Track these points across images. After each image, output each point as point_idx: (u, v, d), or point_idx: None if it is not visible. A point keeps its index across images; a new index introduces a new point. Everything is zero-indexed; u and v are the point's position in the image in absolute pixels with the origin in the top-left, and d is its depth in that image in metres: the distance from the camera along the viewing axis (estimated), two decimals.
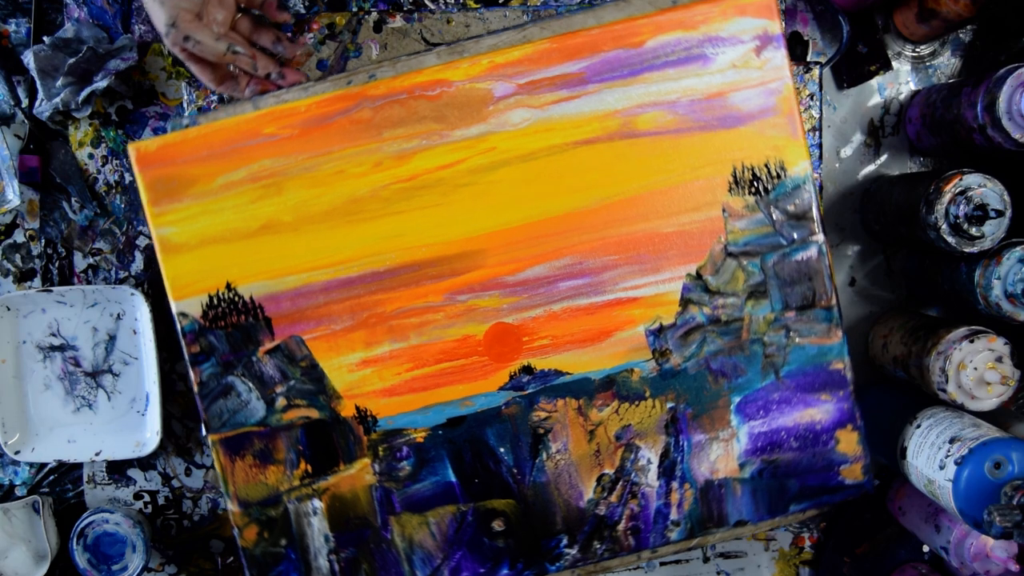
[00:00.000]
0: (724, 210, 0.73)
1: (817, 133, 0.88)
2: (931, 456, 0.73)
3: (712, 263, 0.73)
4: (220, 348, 0.74)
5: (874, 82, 0.88)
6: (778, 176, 0.72)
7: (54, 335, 0.88)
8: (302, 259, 0.73)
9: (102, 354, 0.88)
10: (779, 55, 0.71)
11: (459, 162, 0.73)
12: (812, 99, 0.89)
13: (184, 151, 0.72)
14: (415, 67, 0.76)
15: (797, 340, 0.73)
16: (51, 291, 0.85)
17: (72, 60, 0.83)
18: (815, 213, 0.72)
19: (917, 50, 0.87)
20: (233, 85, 0.78)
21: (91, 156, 0.89)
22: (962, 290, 0.77)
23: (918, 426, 0.76)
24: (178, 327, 0.74)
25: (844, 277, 0.89)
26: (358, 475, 0.75)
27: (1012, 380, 0.75)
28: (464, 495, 0.75)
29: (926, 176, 0.79)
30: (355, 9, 0.87)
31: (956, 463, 0.70)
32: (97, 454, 0.87)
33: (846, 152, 0.88)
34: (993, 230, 0.74)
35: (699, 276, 0.73)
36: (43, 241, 0.90)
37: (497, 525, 0.75)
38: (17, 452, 0.87)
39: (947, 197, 0.74)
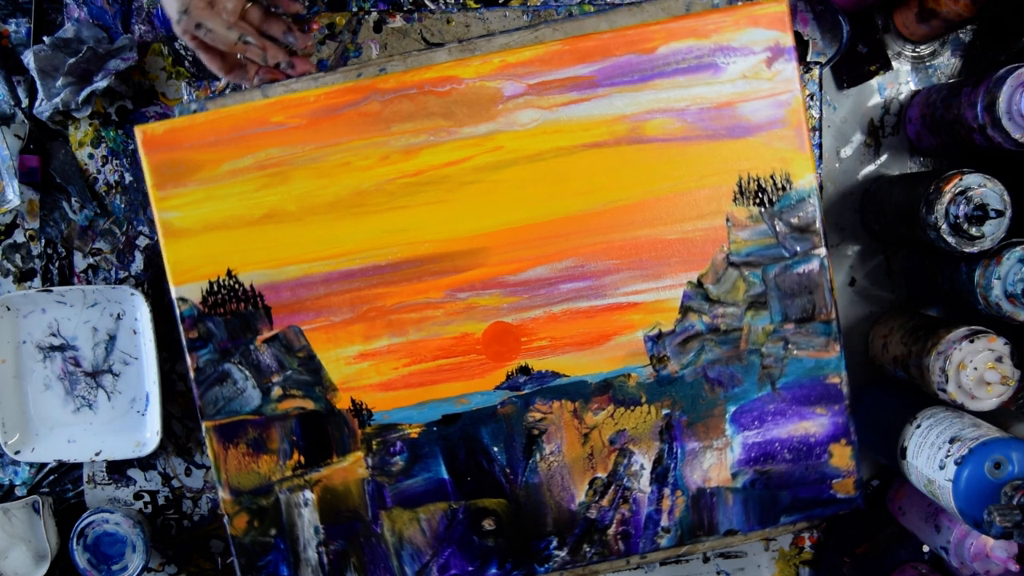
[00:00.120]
0: (728, 220, 0.73)
1: (817, 133, 0.88)
2: (931, 456, 0.73)
3: (714, 272, 0.73)
4: (218, 335, 0.74)
5: (874, 82, 0.88)
6: (783, 188, 0.72)
7: (54, 335, 0.88)
8: (304, 249, 0.73)
9: (102, 354, 0.88)
10: (790, 67, 0.71)
11: (465, 159, 0.73)
12: (812, 99, 0.89)
13: (191, 136, 0.72)
14: (426, 62, 0.76)
15: (795, 352, 0.74)
16: (51, 291, 0.85)
17: (72, 60, 0.83)
18: (819, 226, 0.72)
19: (917, 50, 0.88)
20: (241, 74, 0.78)
21: (91, 156, 0.89)
22: (962, 290, 0.77)
23: (918, 426, 0.76)
24: (177, 312, 0.73)
25: (844, 277, 0.89)
26: (351, 468, 0.75)
27: (1012, 380, 0.75)
28: (456, 493, 0.75)
29: (926, 176, 0.79)
30: (355, 9, 0.87)
31: (956, 463, 0.70)
32: (97, 454, 0.87)
33: (846, 152, 0.88)
34: (993, 230, 0.74)
35: (700, 284, 0.73)
36: (43, 241, 0.90)
37: (488, 524, 0.75)
38: (17, 452, 0.87)
39: (947, 197, 0.74)
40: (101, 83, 0.84)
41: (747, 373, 0.74)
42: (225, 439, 0.74)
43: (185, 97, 0.88)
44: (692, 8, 0.76)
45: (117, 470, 0.91)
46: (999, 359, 0.75)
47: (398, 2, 0.87)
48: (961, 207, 0.73)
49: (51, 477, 0.91)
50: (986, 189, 0.73)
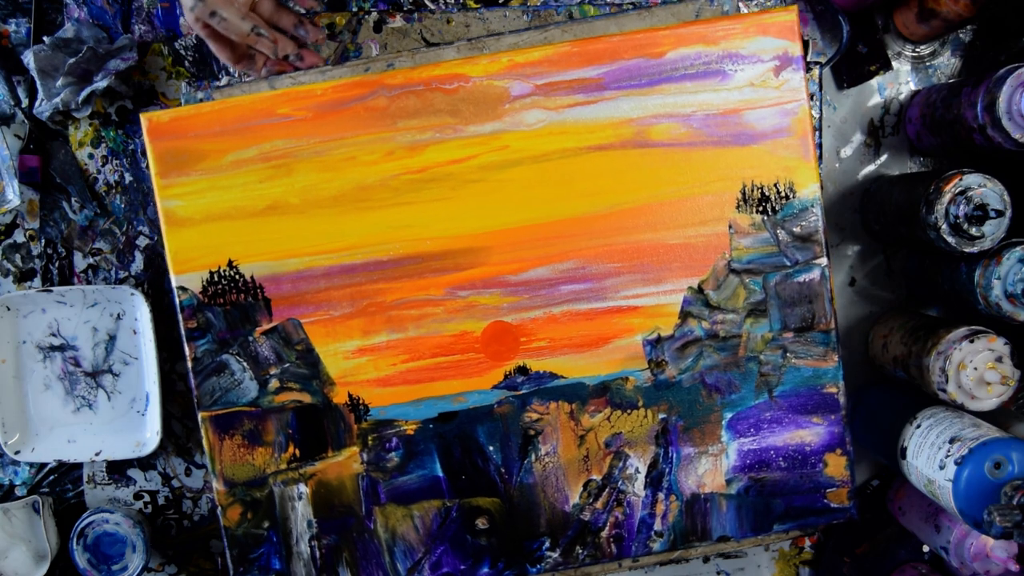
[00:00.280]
0: (731, 226, 0.73)
1: (817, 133, 0.88)
2: (931, 456, 0.73)
3: (714, 278, 0.73)
4: (217, 325, 0.74)
5: (874, 82, 0.88)
6: (787, 197, 0.72)
7: (54, 335, 0.87)
8: (306, 242, 0.73)
9: (102, 354, 0.88)
10: (797, 77, 0.71)
11: (470, 158, 0.73)
12: (812, 99, 0.89)
13: (196, 125, 0.72)
14: (434, 59, 0.75)
15: (793, 361, 0.74)
16: (51, 291, 0.85)
17: (72, 60, 0.83)
18: (821, 236, 0.72)
19: (917, 50, 0.88)
20: (249, 64, 0.78)
21: (91, 156, 0.89)
22: (962, 290, 0.77)
23: (918, 426, 0.76)
24: (176, 301, 0.73)
25: (844, 277, 0.89)
26: (346, 463, 0.75)
27: (1012, 380, 0.75)
28: (450, 491, 0.75)
29: (926, 176, 0.79)
30: (355, 9, 0.87)
31: (956, 463, 0.70)
32: (97, 454, 0.87)
33: (846, 152, 0.89)
34: (993, 230, 0.74)
35: (700, 290, 0.74)
36: (43, 241, 0.90)
37: (481, 523, 0.75)
38: (17, 452, 0.87)
39: (947, 197, 0.74)
40: (101, 83, 0.83)
41: (745, 380, 0.74)
42: (221, 430, 0.74)
43: (184, 97, 0.88)
44: (702, 14, 0.76)
45: (117, 470, 0.91)
46: (999, 359, 0.75)
47: (398, 2, 0.87)
48: (961, 207, 0.73)
49: (51, 477, 0.91)
50: (986, 189, 0.73)
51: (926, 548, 0.89)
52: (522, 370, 0.74)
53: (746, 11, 0.86)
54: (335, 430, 0.75)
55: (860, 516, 0.88)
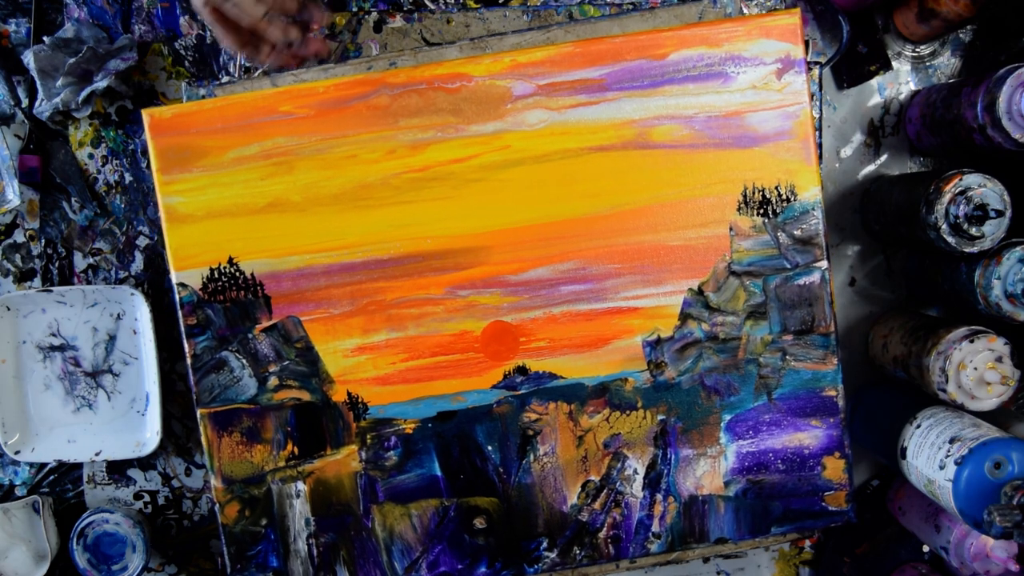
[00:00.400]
0: (731, 229, 0.73)
1: (817, 133, 0.88)
2: (931, 456, 0.73)
3: (715, 280, 0.73)
4: (217, 322, 0.74)
5: (874, 82, 0.88)
6: (788, 200, 0.72)
7: (54, 335, 0.87)
8: (307, 240, 0.73)
9: (102, 354, 0.88)
10: (800, 80, 0.72)
11: (472, 157, 0.73)
12: (812, 99, 0.89)
13: (198, 121, 0.72)
14: (436, 58, 0.75)
15: (792, 364, 0.74)
16: (51, 291, 0.85)
17: (72, 60, 0.83)
18: (821, 239, 0.72)
19: (917, 50, 0.88)
20: (254, 52, 0.77)
21: (91, 156, 0.89)
22: (962, 290, 0.77)
23: (918, 426, 0.76)
24: (176, 297, 0.73)
25: (844, 277, 0.89)
26: (344, 461, 0.75)
27: (1012, 380, 0.75)
28: (448, 490, 0.75)
29: (926, 176, 0.79)
30: (355, 9, 0.87)
31: (956, 463, 0.70)
32: (97, 454, 0.87)
33: (846, 152, 0.89)
34: (993, 230, 0.74)
35: (701, 292, 0.74)
36: (43, 241, 0.90)
37: (479, 523, 0.75)
38: (17, 452, 0.87)
39: (947, 197, 0.74)
40: (101, 83, 0.83)
41: (744, 382, 0.74)
42: (219, 427, 0.74)
43: (184, 98, 0.88)
44: (705, 16, 0.76)
45: (117, 470, 0.91)
46: (999, 359, 0.75)
47: (398, 2, 0.87)
48: (961, 207, 0.73)
49: (51, 477, 0.91)
50: (986, 189, 0.73)
51: (926, 548, 0.89)
52: (521, 370, 0.74)
53: (749, 13, 0.86)
54: (334, 428, 0.75)
55: (859, 517, 0.88)
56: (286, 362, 0.74)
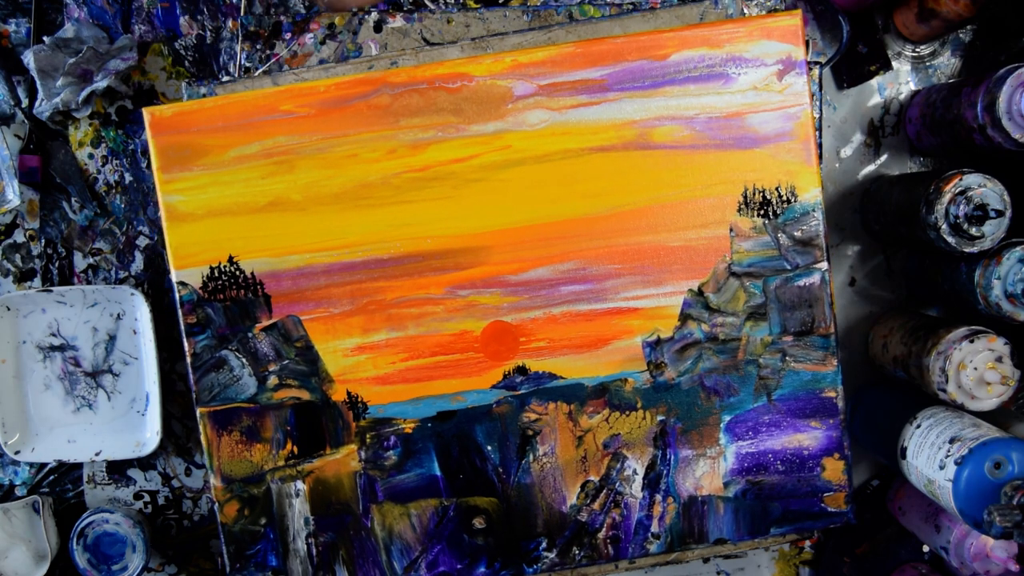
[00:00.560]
0: (731, 229, 0.73)
1: (817, 133, 0.88)
2: (931, 456, 0.73)
3: (715, 281, 0.73)
4: (217, 321, 0.74)
5: (874, 82, 0.88)
6: (788, 201, 0.73)
7: (54, 335, 0.87)
8: (307, 239, 0.73)
9: (102, 354, 0.87)
10: (800, 81, 0.72)
11: (473, 157, 0.73)
12: (812, 99, 0.89)
13: (199, 120, 0.72)
14: (438, 58, 0.76)
15: (792, 365, 0.74)
16: (51, 291, 0.85)
17: (72, 60, 0.83)
18: (822, 240, 0.73)
19: (917, 50, 0.88)
20: None
21: (91, 156, 0.88)
22: (962, 290, 0.78)
23: (918, 426, 0.76)
24: (176, 296, 0.73)
25: (844, 277, 0.89)
26: (344, 460, 0.75)
27: (1012, 380, 0.75)
28: (448, 490, 0.75)
29: (926, 176, 0.79)
30: (355, 9, 0.87)
31: (956, 463, 0.70)
32: (97, 454, 0.87)
33: (846, 152, 0.89)
34: (993, 230, 0.74)
35: (701, 293, 0.74)
36: (43, 241, 0.89)
37: (478, 523, 0.75)
38: (17, 452, 0.87)
39: (947, 197, 0.74)
40: (101, 83, 0.83)
41: (744, 383, 0.74)
42: (219, 426, 0.74)
43: (185, 98, 0.88)
44: (706, 17, 0.76)
45: (117, 470, 0.91)
46: (999, 359, 0.75)
47: (398, 2, 0.87)
48: (961, 207, 0.73)
49: (51, 477, 0.91)
50: (986, 189, 0.73)
51: (926, 548, 0.89)
52: (521, 370, 0.74)
53: (750, 15, 0.86)
54: (333, 428, 0.74)
55: (859, 517, 0.88)
56: (286, 361, 0.74)
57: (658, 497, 0.75)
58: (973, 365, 0.75)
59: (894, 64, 0.88)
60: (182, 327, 0.74)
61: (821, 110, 0.88)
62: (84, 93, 0.84)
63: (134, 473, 0.91)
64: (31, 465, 0.90)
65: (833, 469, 0.74)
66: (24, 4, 0.88)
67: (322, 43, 0.87)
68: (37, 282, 0.90)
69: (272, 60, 0.84)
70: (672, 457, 0.75)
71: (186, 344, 0.73)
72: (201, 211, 0.73)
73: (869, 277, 0.89)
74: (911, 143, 0.88)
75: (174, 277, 0.73)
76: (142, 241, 0.89)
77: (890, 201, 0.82)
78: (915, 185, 0.79)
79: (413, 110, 0.72)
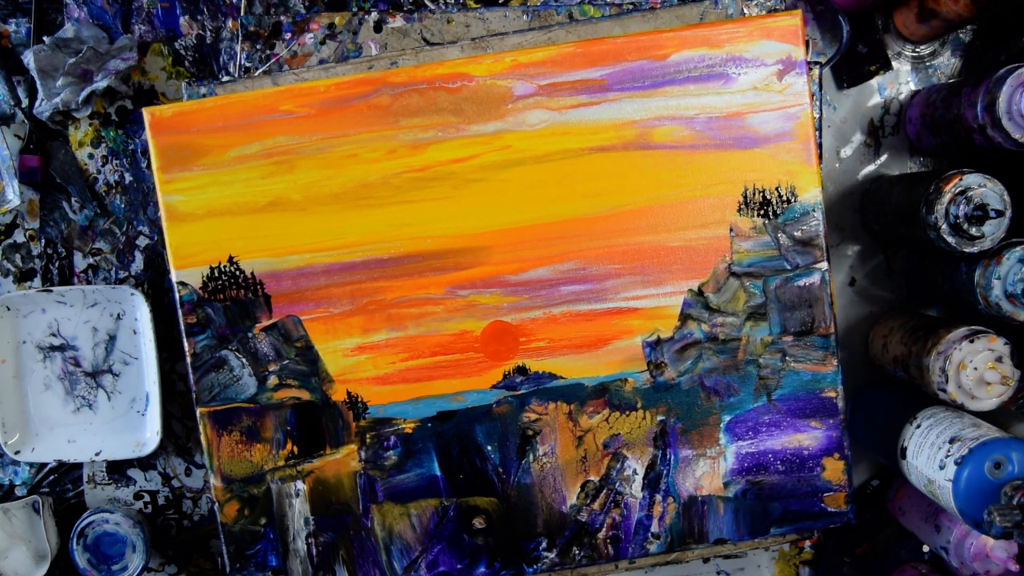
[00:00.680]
0: (731, 229, 0.73)
1: (817, 133, 0.88)
2: (931, 456, 0.73)
3: (715, 281, 0.73)
4: (217, 321, 0.74)
5: (874, 82, 0.88)
6: (788, 201, 0.73)
7: (54, 335, 0.87)
8: (307, 239, 0.73)
9: (102, 354, 0.87)
10: (800, 81, 0.72)
11: (473, 157, 0.73)
12: (812, 99, 0.89)
13: (199, 120, 0.72)
14: (438, 58, 0.76)
15: (792, 365, 0.74)
16: (51, 291, 0.85)
17: (72, 60, 0.83)
18: (822, 240, 0.73)
19: (917, 50, 0.88)
20: None
21: (91, 156, 0.88)
22: (962, 290, 0.78)
23: (918, 426, 0.76)
24: (176, 296, 0.73)
25: (844, 277, 0.89)
26: (344, 460, 0.75)
27: (1012, 380, 0.75)
28: (448, 490, 0.75)
29: (926, 176, 0.79)
30: (355, 9, 0.87)
31: (956, 463, 0.70)
32: (97, 454, 0.87)
33: (846, 152, 0.89)
34: (993, 230, 0.74)
35: (701, 293, 0.74)
36: (43, 241, 0.89)
37: (478, 523, 0.75)
38: (17, 452, 0.87)
39: (947, 197, 0.74)
40: (101, 83, 0.83)
41: (744, 383, 0.74)
42: (219, 426, 0.74)
43: (185, 98, 0.88)
44: (706, 17, 0.76)
45: (117, 470, 0.91)
46: (999, 359, 0.75)
47: (398, 2, 0.87)
48: (961, 207, 0.73)
49: (51, 477, 0.91)
50: (986, 189, 0.73)
51: (926, 548, 0.89)
52: (521, 370, 0.74)
53: (750, 15, 0.86)
54: (333, 428, 0.74)
55: (859, 517, 0.88)
56: (286, 361, 0.74)
57: (658, 497, 0.75)
58: (973, 365, 0.75)
59: (894, 64, 0.88)
60: (182, 327, 0.74)
61: (821, 110, 0.88)
62: (84, 93, 0.84)
63: (134, 473, 0.91)
64: (31, 465, 0.90)
65: (833, 469, 0.74)
66: (24, 4, 0.88)
67: (322, 43, 0.87)
68: (37, 282, 0.90)
69: (272, 60, 0.84)
70: (672, 457, 0.75)
71: (186, 344, 0.73)
72: (201, 211, 0.73)
73: (869, 277, 0.89)
74: (911, 143, 0.88)
75: (174, 277, 0.73)
76: (142, 241, 0.89)
77: (890, 201, 0.82)
78: (915, 185, 0.79)
79: (413, 110, 0.72)
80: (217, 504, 0.74)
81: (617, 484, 0.75)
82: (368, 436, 0.74)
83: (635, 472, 0.75)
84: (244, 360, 0.74)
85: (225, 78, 0.87)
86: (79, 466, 0.91)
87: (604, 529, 0.75)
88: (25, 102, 0.88)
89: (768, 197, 0.73)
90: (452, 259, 0.73)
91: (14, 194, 0.87)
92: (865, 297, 0.89)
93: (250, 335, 0.74)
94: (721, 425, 0.74)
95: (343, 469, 0.75)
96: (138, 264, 0.89)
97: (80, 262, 0.89)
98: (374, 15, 0.86)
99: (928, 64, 0.88)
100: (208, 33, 0.87)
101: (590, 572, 0.78)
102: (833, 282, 0.79)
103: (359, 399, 0.74)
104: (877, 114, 0.88)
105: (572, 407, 0.75)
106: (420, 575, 0.75)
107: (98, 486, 0.90)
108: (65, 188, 0.89)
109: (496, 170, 0.73)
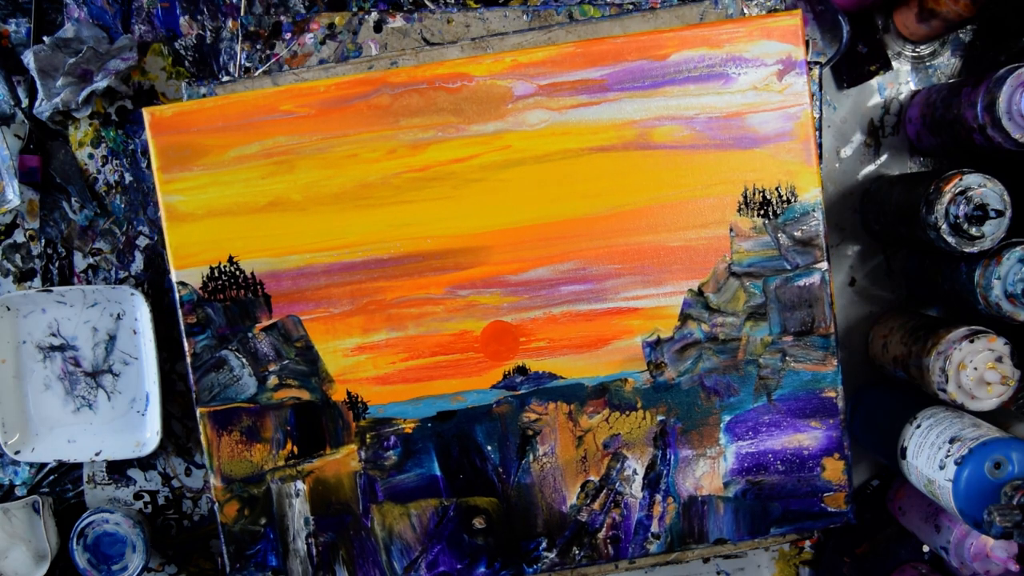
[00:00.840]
0: (731, 229, 0.73)
1: (817, 133, 0.88)
2: (931, 456, 0.73)
3: (715, 281, 0.73)
4: (217, 321, 0.74)
5: (874, 82, 0.88)
6: (788, 201, 0.72)
7: (54, 335, 0.87)
8: (307, 239, 0.73)
9: (102, 354, 0.87)
10: (800, 81, 0.72)
11: (473, 157, 0.73)
12: (812, 99, 0.89)
13: (199, 120, 0.72)
14: (438, 58, 0.76)
15: (792, 365, 0.74)
16: (51, 291, 0.85)
17: (72, 60, 0.83)
18: (822, 240, 0.73)
19: (917, 50, 0.88)
20: None
21: (91, 156, 0.88)
22: (962, 290, 0.78)
23: (918, 426, 0.76)
24: (176, 296, 0.73)
25: (844, 277, 0.89)
26: (344, 460, 0.75)
27: (1012, 380, 0.75)
28: (448, 490, 0.75)
29: (926, 176, 0.79)
30: (355, 9, 0.87)
31: (956, 463, 0.70)
32: (97, 454, 0.87)
33: (846, 152, 0.89)
34: (993, 230, 0.74)
35: (701, 293, 0.74)
36: (43, 241, 0.89)
37: (478, 523, 0.75)
38: (17, 452, 0.87)
39: (947, 197, 0.74)
40: (101, 83, 0.83)
41: (744, 383, 0.74)
42: (219, 426, 0.74)
43: (185, 98, 0.88)
44: (706, 17, 0.76)
45: (117, 470, 0.91)
46: (999, 359, 0.75)
47: (398, 2, 0.87)
48: (961, 207, 0.73)
49: (51, 477, 0.91)
50: (986, 189, 0.73)
51: (926, 548, 0.89)
52: (521, 370, 0.74)
53: (750, 15, 0.86)
54: (333, 428, 0.74)
55: (859, 517, 0.88)
56: (286, 361, 0.74)
57: (658, 497, 0.75)
58: (973, 365, 0.75)
59: (894, 64, 0.88)
60: (182, 327, 0.74)
61: (821, 110, 0.88)
62: (84, 93, 0.84)
63: (134, 473, 0.91)
64: (31, 465, 0.90)
65: (833, 469, 0.74)
66: (24, 4, 0.88)
67: (322, 43, 0.87)
68: (37, 282, 0.90)
69: (272, 60, 0.84)
70: (672, 457, 0.75)
71: (186, 344, 0.73)
72: (201, 211, 0.73)
73: (869, 277, 0.89)
74: (911, 143, 0.88)
75: (174, 277, 0.73)
76: (142, 241, 0.89)
77: (890, 201, 0.82)
78: (915, 185, 0.79)
79: (413, 110, 0.72)
80: (217, 504, 0.75)
81: (617, 484, 0.75)
82: (368, 436, 0.74)
83: (635, 472, 0.75)
84: (244, 360, 0.74)
85: (225, 78, 0.87)
86: (79, 466, 0.91)
87: (604, 529, 0.75)
88: (25, 102, 0.88)
89: (768, 197, 0.73)
90: (452, 259, 0.73)
91: (14, 194, 0.87)
92: (865, 297, 0.89)
93: (250, 335, 0.74)
94: (721, 425, 0.74)
95: (343, 469, 0.75)
96: (138, 264, 0.89)
97: (80, 262, 0.89)
98: (374, 15, 0.86)
99: (928, 64, 0.88)
100: (208, 33, 0.87)
101: (590, 572, 0.78)
102: (833, 282, 0.79)
103: (359, 399, 0.74)
104: (877, 114, 0.88)
105: (572, 407, 0.75)
106: (420, 575, 0.75)
107: (98, 486, 0.90)
108: (65, 188, 0.89)
109: (496, 170, 0.73)
